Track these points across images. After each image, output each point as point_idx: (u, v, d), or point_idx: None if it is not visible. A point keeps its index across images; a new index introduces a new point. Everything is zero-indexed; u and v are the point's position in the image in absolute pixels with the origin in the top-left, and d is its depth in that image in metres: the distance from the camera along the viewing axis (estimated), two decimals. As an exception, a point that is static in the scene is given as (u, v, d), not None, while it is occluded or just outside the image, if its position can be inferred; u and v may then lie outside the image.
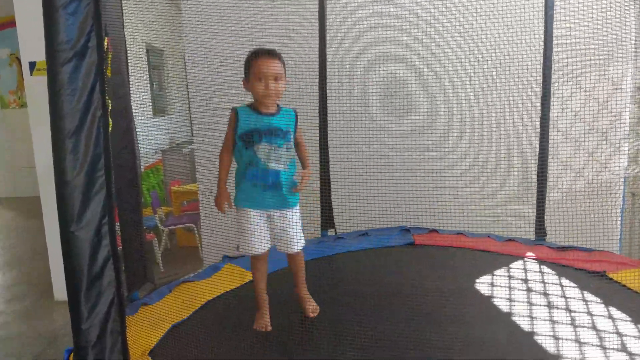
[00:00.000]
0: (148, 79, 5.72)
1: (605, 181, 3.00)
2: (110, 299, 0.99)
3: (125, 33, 2.27)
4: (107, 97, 1.03)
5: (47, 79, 0.93)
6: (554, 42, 2.73)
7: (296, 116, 1.94)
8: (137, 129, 2.34)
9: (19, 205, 7.12)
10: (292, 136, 1.91)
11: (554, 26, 2.72)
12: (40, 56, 3.42)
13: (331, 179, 3.21)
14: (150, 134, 3.31)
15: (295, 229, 1.93)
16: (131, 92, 2.32)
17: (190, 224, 4.55)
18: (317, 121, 3.19)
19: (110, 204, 0.97)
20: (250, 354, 1.80)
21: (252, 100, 1.94)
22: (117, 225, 1.39)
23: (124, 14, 2.19)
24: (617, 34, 2.76)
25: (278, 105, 1.93)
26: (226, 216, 3.29)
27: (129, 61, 2.32)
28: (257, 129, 1.86)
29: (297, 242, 1.93)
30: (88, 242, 0.95)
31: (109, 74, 1.01)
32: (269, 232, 1.94)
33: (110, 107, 1.12)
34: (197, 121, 3.41)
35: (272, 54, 1.88)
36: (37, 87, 3.52)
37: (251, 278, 2.39)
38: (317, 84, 3.18)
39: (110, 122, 1.19)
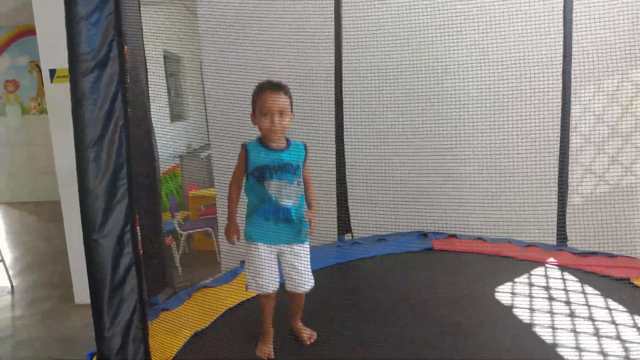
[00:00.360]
0: (165, 85, 5.78)
1: (628, 185, 2.94)
2: (132, 307, 1.00)
3: (144, 41, 2.30)
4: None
5: (69, 89, 0.94)
6: (574, 45, 2.69)
7: (306, 149, 1.91)
8: (155, 136, 2.36)
9: (38, 210, 7.24)
10: (301, 170, 1.87)
11: (574, 29, 2.68)
12: (60, 63, 3.49)
13: (348, 183, 3.20)
14: (168, 140, 3.35)
15: (305, 267, 1.87)
16: (150, 99, 2.34)
17: (208, 228, 4.57)
18: (334, 125, 3.19)
19: (133, 212, 0.98)
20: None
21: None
22: (137, 230, 1.40)
23: (142, 21, 2.22)
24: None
25: (287, 139, 1.89)
26: (243, 221, 3.30)
27: (147, 68, 2.34)
28: (267, 165, 1.82)
29: (307, 281, 1.87)
30: (110, 250, 0.96)
31: (128, 82, 1.02)
32: (278, 271, 1.88)
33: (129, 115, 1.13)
34: (213, 127, 3.43)
35: (277, 88, 1.83)
36: (57, 94, 3.57)
37: None
38: (333, 88, 3.18)
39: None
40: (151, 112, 2.33)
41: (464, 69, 2.99)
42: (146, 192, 2.33)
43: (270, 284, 1.83)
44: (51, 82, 3.55)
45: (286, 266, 1.87)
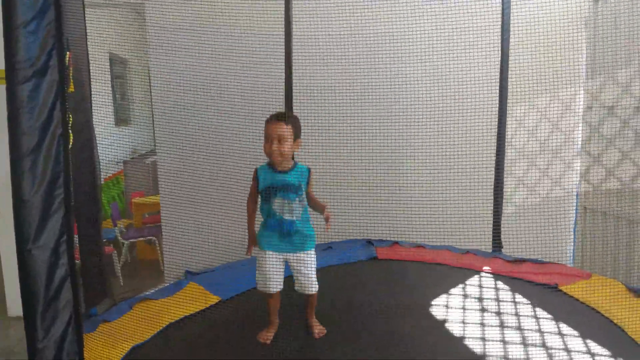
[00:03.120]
0: (111, 88, 5.62)
1: (556, 196, 3.13)
2: (67, 319, 0.98)
3: (88, 44, 2.25)
4: (68, 113, 1.02)
5: (5, 97, 0.92)
6: (510, 64, 2.86)
7: (309, 173, 2.13)
8: (97, 141, 2.30)
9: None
10: (303, 190, 2.09)
11: (510, 48, 2.84)
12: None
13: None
14: (112, 145, 3.26)
15: (309, 271, 2.11)
16: (93, 105, 2.28)
17: (152, 237, 4.47)
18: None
19: (69, 222, 0.97)
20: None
21: None
22: (76, 238, 1.37)
23: (86, 24, 2.17)
24: (569, 57, 2.90)
25: (295, 162, 2.13)
26: (188, 230, 3.26)
27: (91, 72, 2.29)
28: (273, 185, 2.08)
29: (312, 283, 2.12)
30: (45, 262, 0.94)
31: (72, 89, 1.00)
32: (282, 274, 2.13)
33: (71, 121, 1.11)
34: (160, 132, 3.38)
35: (279, 118, 2.06)
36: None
37: (214, 301, 2.48)
38: (283, 99, 3.20)
39: (72, 137, 1.18)
40: (93, 118, 2.27)
41: (409, 83, 3.10)
42: (86, 199, 2.27)
43: (274, 286, 2.10)
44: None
45: (294, 271, 2.13)
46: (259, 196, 2.15)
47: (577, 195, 3.39)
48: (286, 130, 2.02)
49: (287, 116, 2.06)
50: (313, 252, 2.14)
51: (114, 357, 1.81)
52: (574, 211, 3.41)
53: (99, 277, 2.25)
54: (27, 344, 0.97)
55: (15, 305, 3.67)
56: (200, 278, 2.64)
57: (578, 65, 2.92)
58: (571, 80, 2.93)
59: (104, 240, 3.03)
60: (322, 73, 3.18)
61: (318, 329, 2.17)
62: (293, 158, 2.19)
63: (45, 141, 0.94)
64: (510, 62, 2.86)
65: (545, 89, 2.85)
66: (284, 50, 3.16)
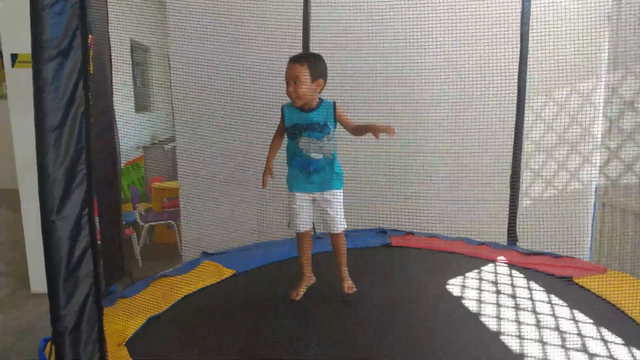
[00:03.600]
0: (131, 75, 5.70)
1: (574, 190, 3.11)
2: (87, 288, 1.03)
3: (110, 30, 2.30)
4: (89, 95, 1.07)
5: (32, 75, 0.96)
6: (530, 56, 2.83)
7: (334, 107, 2.11)
8: (118, 125, 2.36)
9: (-5, 198, 7.03)
10: (330, 128, 2.10)
11: (530, 40, 2.82)
12: (22, 49, 3.43)
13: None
14: (132, 130, 3.32)
15: (335, 211, 2.15)
16: (114, 89, 2.34)
17: (170, 221, 4.56)
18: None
19: (90, 197, 1.01)
20: (226, 349, 1.84)
21: None
22: (97, 220, 1.42)
23: (108, 10, 2.21)
24: (590, 50, 2.86)
25: (320, 99, 2.12)
26: (205, 215, 3.31)
27: (112, 57, 2.34)
28: (298, 125, 2.10)
29: (338, 224, 2.16)
30: (68, 233, 0.99)
31: (91, 71, 1.04)
32: (312, 214, 2.20)
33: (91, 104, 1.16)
34: (179, 119, 3.43)
35: (294, 59, 2.07)
36: (18, 80, 3.50)
37: (228, 275, 2.51)
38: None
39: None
40: (114, 102, 2.33)
41: (428, 74, 3.09)
42: (107, 182, 2.33)
43: (302, 225, 2.19)
44: (12, 67, 3.48)
45: (319, 211, 2.19)
46: (286, 134, 2.18)
47: (595, 190, 3.36)
48: (302, 71, 2.02)
49: (303, 56, 2.07)
50: (339, 192, 2.18)
51: (131, 327, 1.88)
52: (593, 207, 3.38)
53: (118, 256, 2.32)
54: (50, 311, 1.02)
55: (38, 282, 3.79)
56: (215, 257, 2.70)
57: (599, 57, 2.88)
58: (591, 72, 2.89)
59: (124, 222, 3.11)
60: (340, 58, 3.19)
61: (348, 284, 2.21)
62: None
63: (68, 119, 0.98)
64: (529, 53, 2.83)
65: (565, 81, 2.82)
66: (302, 34, 3.18)
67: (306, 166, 2.11)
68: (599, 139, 3.14)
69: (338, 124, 2.18)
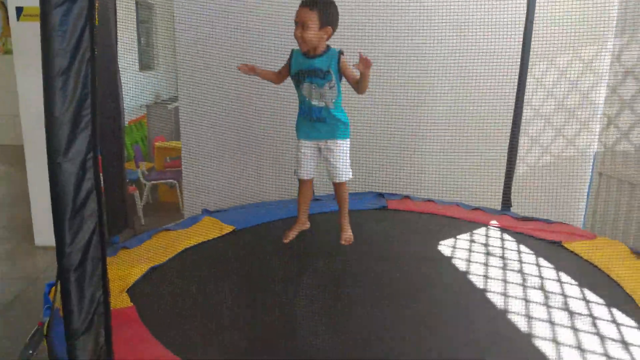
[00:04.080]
0: (135, 33, 5.67)
1: (571, 158, 3.14)
2: (92, 228, 1.08)
3: (115, -17, 2.30)
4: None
5: (40, 21, 1.00)
6: (535, 21, 2.81)
7: (338, 55, 2.11)
8: (122, 80, 2.39)
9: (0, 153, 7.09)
10: (333, 75, 2.10)
11: (536, 4, 2.80)
12: (27, 1, 3.41)
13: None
14: (135, 88, 3.34)
15: (339, 161, 2.18)
16: (118, 43, 2.35)
17: (173, 180, 4.63)
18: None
19: (95, 141, 1.06)
20: (227, 300, 1.92)
21: None
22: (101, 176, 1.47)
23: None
24: (596, 15, 2.85)
25: (328, 46, 2.12)
26: (207, 174, 3.36)
27: (117, 13, 2.35)
28: (301, 70, 2.12)
29: (341, 173, 2.20)
30: (73, 174, 1.04)
31: (97, 22, 1.07)
32: (316, 163, 2.25)
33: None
34: (183, 78, 3.44)
35: (305, 3, 2.06)
36: (24, 33, 3.50)
37: (228, 230, 2.58)
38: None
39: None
40: (118, 57, 2.35)
41: (430, 35, 3.08)
42: (111, 137, 2.38)
43: (304, 173, 2.26)
44: (18, 21, 3.47)
45: (323, 160, 2.24)
46: (293, 82, 2.22)
47: (593, 160, 3.39)
48: (310, 16, 2.03)
49: (314, 1, 2.05)
50: (344, 142, 2.20)
51: (133, 275, 1.97)
52: (590, 175, 3.42)
53: (121, 209, 2.38)
54: (57, 249, 1.08)
55: (41, 235, 3.89)
56: (216, 215, 2.77)
57: (607, 23, 2.86)
58: (596, 38, 2.88)
59: (127, 180, 3.17)
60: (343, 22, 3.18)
61: (346, 235, 2.27)
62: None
63: (75, 64, 1.02)
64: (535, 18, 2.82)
65: (569, 47, 2.82)
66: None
67: (308, 113, 2.16)
68: (601, 107, 3.16)
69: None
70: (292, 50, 2.21)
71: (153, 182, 4.67)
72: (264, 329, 1.73)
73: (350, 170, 2.24)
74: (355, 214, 2.98)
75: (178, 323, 1.74)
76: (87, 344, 1.11)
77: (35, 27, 3.16)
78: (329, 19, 2.07)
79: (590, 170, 3.41)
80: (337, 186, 2.28)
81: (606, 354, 1.68)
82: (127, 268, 1.98)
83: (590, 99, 3.02)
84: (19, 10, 3.47)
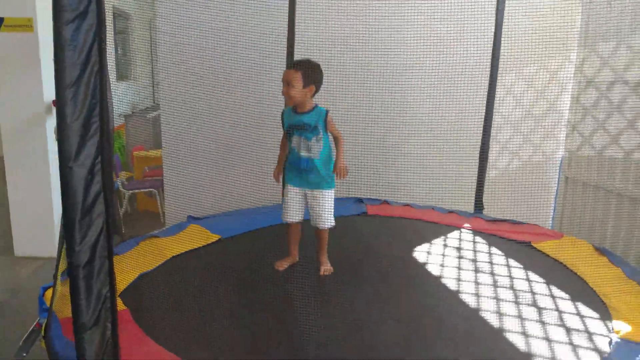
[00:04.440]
0: (113, 43, 5.69)
1: (538, 163, 3.32)
2: (100, 228, 1.16)
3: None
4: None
5: (52, 36, 1.08)
6: (503, 33, 2.99)
7: (326, 114, 2.30)
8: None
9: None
10: (320, 130, 2.29)
11: (505, 17, 2.98)
12: (9, 12, 3.43)
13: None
14: (114, 98, 3.38)
15: (322, 209, 2.33)
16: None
17: (152, 189, 4.65)
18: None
19: (103, 146, 1.14)
20: (214, 303, 2.00)
21: None
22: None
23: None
24: (560, 29, 3.04)
25: (315, 105, 2.32)
26: (189, 181, 3.42)
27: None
28: (292, 125, 2.31)
29: (324, 220, 2.34)
30: (83, 178, 1.11)
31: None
32: (303, 207, 2.38)
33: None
34: (164, 87, 3.50)
35: (291, 65, 2.33)
36: (5, 44, 3.51)
37: (214, 239, 2.69)
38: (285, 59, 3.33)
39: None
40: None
41: (405, 48, 3.23)
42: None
43: (293, 217, 2.37)
44: (-1, 31, 3.48)
45: (308, 206, 2.37)
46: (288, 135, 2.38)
47: (560, 164, 3.59)
48: (295, 75, 2.23)
49: (299, 64, 2.27)
50: (328, 192, 2.34)
51: (124, 282, 2.03)
52: (557, 179, 3.61)
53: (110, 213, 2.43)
54: (67, 248, 1.14)
55: (21, 245, 3.87)
56: (201, 222, 2.84)
57: (568, 38, 3.06)
58: (559, 50, 3.07)
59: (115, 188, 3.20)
60: (325, 33, 3.30)
61: (324, 268, 2.38)
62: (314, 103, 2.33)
63: (85, 75, 1.10)
64: (503, 31, 3.00)
65: (536, 59, 3.00)
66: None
67: (297, 163, 2.31)
68: (566, 115, 3.35)
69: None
70: (283, 110, 2.41)
71: (133, 191, 4.68)
72: (252, 329, 1.82)
73: (333, 218, 2.36)
74: (337, 220, 3.09)
75: (169, 324, 1.81)
76: (95, 337, 1.18)
77: (16, 37, 3.19)
78: (312, 79, 2.27)
79: (558, 174, 3.61)
80: (318, 231, 2.40)
81: (571, 343, 1.82)
82: (118, 274, 2.03)
83: (555, 107, 3.21)
84: (0, 20, 3.48)
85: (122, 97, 5.65)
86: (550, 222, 3.67)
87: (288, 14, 3.29)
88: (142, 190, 4.75)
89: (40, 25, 3.55)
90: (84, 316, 1.17)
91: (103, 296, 1.19)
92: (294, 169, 2.35)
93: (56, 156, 3.11)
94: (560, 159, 3.55)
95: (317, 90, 2.30)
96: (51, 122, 3.78)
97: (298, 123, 2.30)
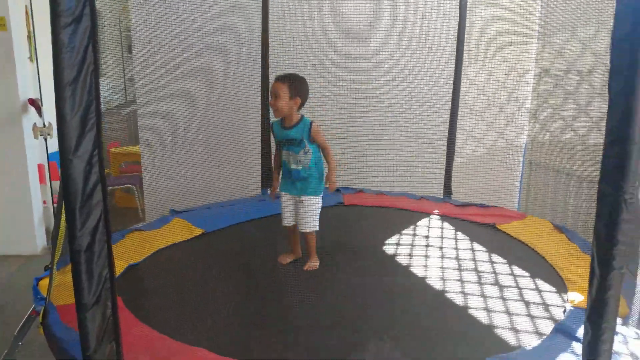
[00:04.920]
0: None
1: (503, 149, 3.53)
2: (98, 215, 1.26)
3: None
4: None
5: (51, 39, 1.17)
6: (467, 26, 3.17)
7: (310, 125, 2.40)
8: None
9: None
10: (306, 143, 2.40)
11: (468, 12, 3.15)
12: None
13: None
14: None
15: (307, 214, 2.45)
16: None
17: (130, 185, 4.70)
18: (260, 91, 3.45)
19: (99, 140, 1.23)
20: (202, 300, 2.09)
21: None
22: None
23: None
24: (518, 24, 3.23)
25: (302, 116, 2.43)
26: (169, 176, 3.50)
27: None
28: (281, 140, 2.45)
29: (308, 224, 2.46)
30: (82, 169, 1.20)
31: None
32: (294, 212, 2.52)
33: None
34: (140, 84, 3.56)
35: (278, 78, 2.40)
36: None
37: (198, 233, 2.80)
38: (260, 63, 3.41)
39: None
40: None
41: (375, 45, 3.38)
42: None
43: (286, 221, 2.53)
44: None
45: (296, 211, 2.49)
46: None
47: (524, 150, 3.80)
48: (282, 87, 2.34)
49: (286, 77, 2.38)
50: (315, 197, 2.46)
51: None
52: (521, 164, 3.83)
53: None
54: (69, 234, 1.24)
55: (1, 244, 3.89)
56: (184, 215, 2.93)
57: (527, 29, 3.25)
58: (517, 43, 3.27)
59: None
60: (297, 32, 3.42)
61: (309, 264, 2.49)
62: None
63: (81, 75, 1.19)
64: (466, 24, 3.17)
65: (497, 51, 3.19)
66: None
67: (289, 175, 2.46)
68: (528, 103, 3.56)
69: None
70: (272, 123, 2.52)
71: (111, 187, 4.72)
72: (237, 313, 1.95)
73: (317, 223, 2.47)
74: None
75: (160, 310, 1.93)
76: (96, 316, 1.29)
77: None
78: (298, 91, 2.37)
79: (522, 159, 3.82)
80: (304, 234, 2.51)
81: (529, 314, 2.00)
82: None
83: (515, 96, 3.41)
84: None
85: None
86: (517, 204, 3.89)
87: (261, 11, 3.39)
88: (120, 186, 4.79)
89: (13, 24, 3.57)
90: (86, 297, 1.27)
91: (103, 278, 1.29)
92: (286, 179, 2.49)
93: (34, 153, 3.17)
94: (523, 144, 3.77)
95: (302, 103, 2.42)
96: (27, 120, 3.80)
97: (286, 138, 2.42)
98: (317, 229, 2.49)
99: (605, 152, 1.16)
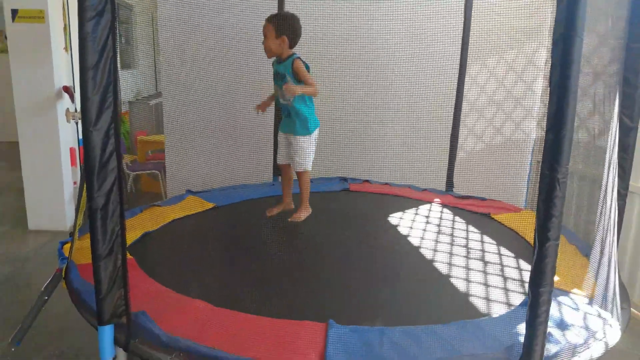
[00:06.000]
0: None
1: (499, 143, 3.64)
2: (113, 180, 1.48)
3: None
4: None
5: (77, 30, 1.40)
6: (472, 27, 3.32)
7: (292, 61, 2.49)
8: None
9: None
10: (289, 77, 2.49)
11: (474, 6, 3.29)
12: (22, 4, 3.75)
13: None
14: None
15: (297, 153, 2.59)
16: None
17: (155, 171, 4.99)
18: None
19: (117, 116, 1.47)
20: (209, 261, 2.31)
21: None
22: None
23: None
24: (518, 25, 3.35)
25: (292, 54, 2.53)
26: (190, 162, 3.74)
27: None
28: (274, 74, 2.58)
29: (296, 164, 2.61)
30: (100, 139, 1.43)
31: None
32: (287, 151, 2.67)
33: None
34: (166, 76, 3.80)
35: (266, 19, 2.51)
36: (19, 34, 3.83)
37: (209, 207, 3.00)
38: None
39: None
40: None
41: (383, 40, 3.55)
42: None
43: (281, 159, 2.72)
44: (13, 22, 3.80)
45: (288, 151, 2.65)
46: None
47: (532, 148, 3.90)
48: (268, 27, 2.48)
49: (271, 17, 2.50)
50: (303, 137, 2.57)
51: (130, 239, 2.36)
52: (529, 162, 3.93)
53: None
54: (87, 195, 1.48)
55: (34, 220, 4.21)
56: (198, 194, 3.17)
57: (524, 32, 3.38)
58: (516, 44, 3.40)
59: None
60: (310, 28, 3.61)
61: (297, 215, 2.62)
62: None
63: (102, 60, 1.42)
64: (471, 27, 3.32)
65: (494, 51, 3.32)
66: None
67: (282, 110, 2.60)
68: (538, 105, 3.67)
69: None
70: (273, 60, 2.64)
71: (136, 172, 5.02)
72: (241, 275, 2.16)
73: (309, 163, 2.59)
74: (321, 195, 3.43)
75: (171, 270, 2.16)
76: (108, 265, 1.53)
77: (28, 27, 3.55)
78: (284, 30, 2.47)
79: (530, 157, 3.93)
80: (297, 174, 2.67)
81: (504, 288, 2.14)
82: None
83: (512, 94, 3.53)
84: (14, 12, 3.80)
85: (125, 84, 5.98)
86: (524, 203, 3.99)
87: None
88: (145, 172, 5.09)
89: (51, 16, 3.87)
90: (100, 248, 1.51)
91: (115, 233, 1.53)
92: (282, 117, 2.63)
93: (66, 137, 3.44)
94: (532, 143, 3.87)
95: (292, 41, 2.50)
96: (61, 106, 4.11)
97: (276, 72, 2.56)
98: (309, 169, 2.62)
99: (545, 138, 1.33)
